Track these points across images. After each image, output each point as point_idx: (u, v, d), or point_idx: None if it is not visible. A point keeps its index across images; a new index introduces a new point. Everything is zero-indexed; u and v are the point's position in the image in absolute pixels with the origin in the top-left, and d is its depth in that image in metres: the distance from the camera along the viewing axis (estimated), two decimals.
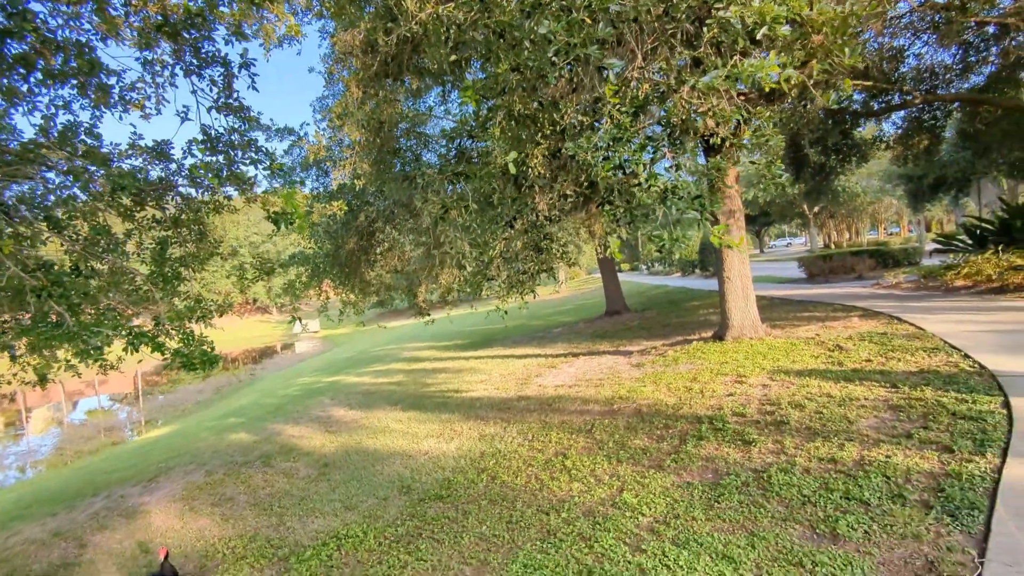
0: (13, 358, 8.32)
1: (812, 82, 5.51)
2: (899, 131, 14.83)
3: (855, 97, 12.53)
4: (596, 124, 5.48)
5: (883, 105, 12.59)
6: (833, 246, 48.92)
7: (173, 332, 4.67)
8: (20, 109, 4.62)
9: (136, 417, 24.55)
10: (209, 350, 4.71)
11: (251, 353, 42.19)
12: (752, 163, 5.14)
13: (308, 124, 16.57)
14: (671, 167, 4.90)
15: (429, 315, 12.84)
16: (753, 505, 4.71)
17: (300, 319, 9.56)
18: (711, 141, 5.12)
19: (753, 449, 5.68)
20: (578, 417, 8.04)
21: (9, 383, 8.41)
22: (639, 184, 4.53)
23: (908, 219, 54.97)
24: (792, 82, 4.14)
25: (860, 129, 14.73)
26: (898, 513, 4.14)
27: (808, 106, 9.49)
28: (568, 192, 7.06)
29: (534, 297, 8.43)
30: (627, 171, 4.62)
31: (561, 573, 4.30)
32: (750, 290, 10.40)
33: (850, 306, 12.25)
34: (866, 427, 5.60)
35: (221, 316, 5.68)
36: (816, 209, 44.62)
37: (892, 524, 4.04)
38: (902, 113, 14.00)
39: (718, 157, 6.21)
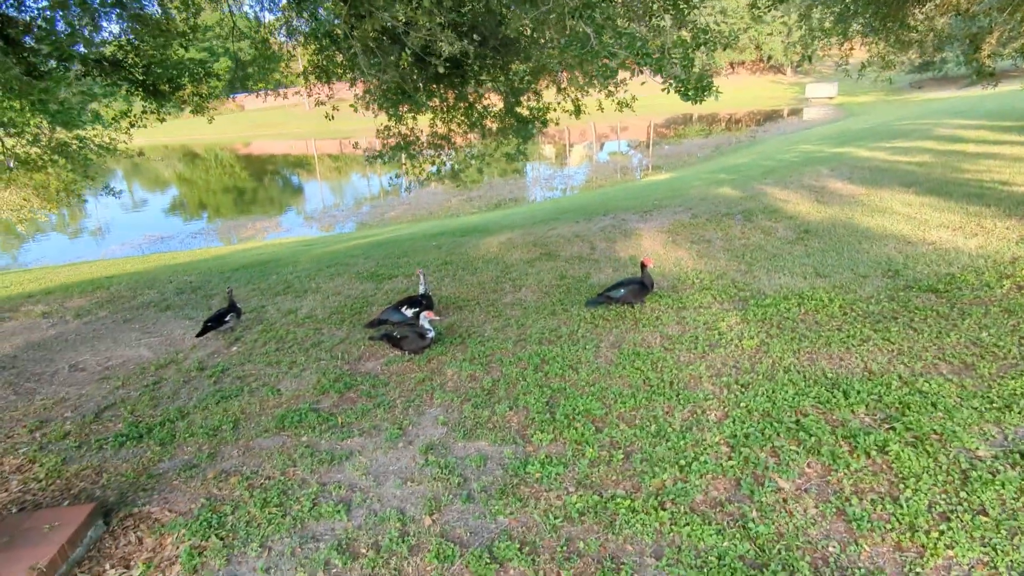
0: (560, 89, 10.28)
1: None
2: None
3: None
4: None
5: None
6: None
7: (676, 58, 4.91)
8: None
9: (645, 163, 28.02)
10: (707, 81, 4.80)
11: (755, 115, 41.61)
12: None
13: None
14: None
15: (992, 75, 9.82)
16: None
17: (807, 56, 8.63)
18: None
19: None
20: None
21: (554, 110, 10.61)
22: None
23: None
24: None
25: None
26: None
27: None
28: None
29: None
30: None
31: None
32: None
33: None
34: None
35: (725, 49, 5.62)
36: None
37: None
38: None
39: None
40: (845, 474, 3.10)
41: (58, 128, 9.79)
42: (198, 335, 6.38)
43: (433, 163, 11.29)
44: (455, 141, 11.60)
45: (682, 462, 3.30)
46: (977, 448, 3.18)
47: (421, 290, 6.42)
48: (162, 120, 9.39)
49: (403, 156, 11.40)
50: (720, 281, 6.62)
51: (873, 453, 3.21)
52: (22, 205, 10.09)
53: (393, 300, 7.12)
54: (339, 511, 3.17)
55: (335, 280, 8.71)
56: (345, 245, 12.67)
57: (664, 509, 2.95)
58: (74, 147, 9.89)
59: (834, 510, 2.88)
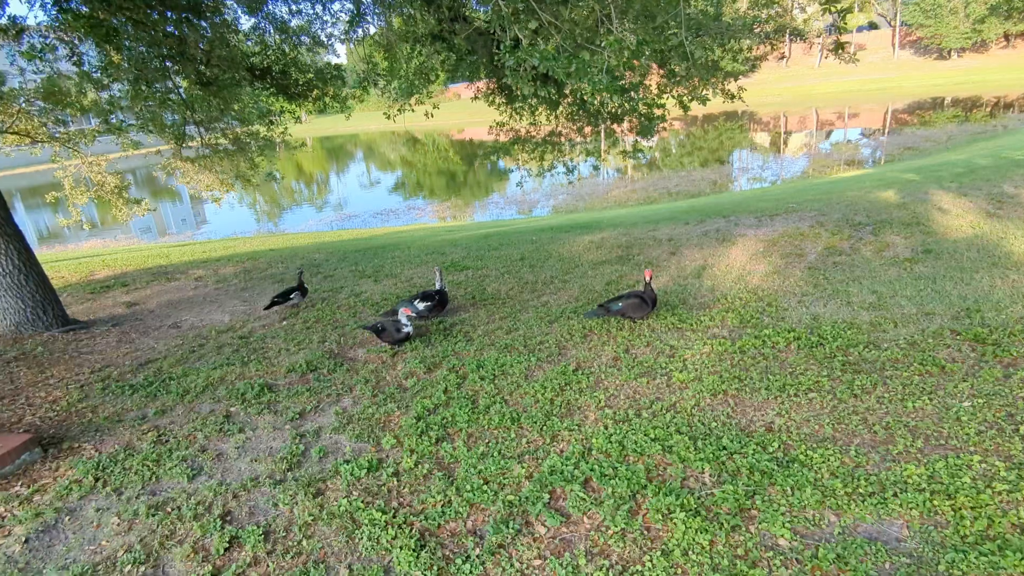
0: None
1: None
2: None
3: None
4: None
5: None
6: None
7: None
8: None
9: (869, 153, 24.80)
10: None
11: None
12: None
13: None
14: None
15: None
16: None
17: None
18: None
19: None
20: None
21: (658, 106, 10.13)
22: None
23: None
24: None
25: None
26: None
27: None
28: None
29: None
30: None
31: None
32: None
33: None
34: None
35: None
36: None
37: None
38: None
39: None
40: (612, 534, 2.83)
41: (237, 125, 12.04)
42: (265, 308, 7.55)
43: (543, 158, 11.49)
44: (571, 138, 11.62)
45: (468, 487, 3.28)
46: (781, 536, 2.66)
47: (437, 286, 6.82)
48: (298, 119, 11.04)
49: (519, 151, 11.82)
50: (753, 305, 5.95)
51: (657, 518, 2.86)
52: (210, 187, 12.60)
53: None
54: (186, 474, 3.77)
55: (419, 268, 9.47)
56: (464, 235, 13.49)
57: (398, 537, 3.00)
58: (246, 141, 12.08)
59: (559, 566, 2.68)
